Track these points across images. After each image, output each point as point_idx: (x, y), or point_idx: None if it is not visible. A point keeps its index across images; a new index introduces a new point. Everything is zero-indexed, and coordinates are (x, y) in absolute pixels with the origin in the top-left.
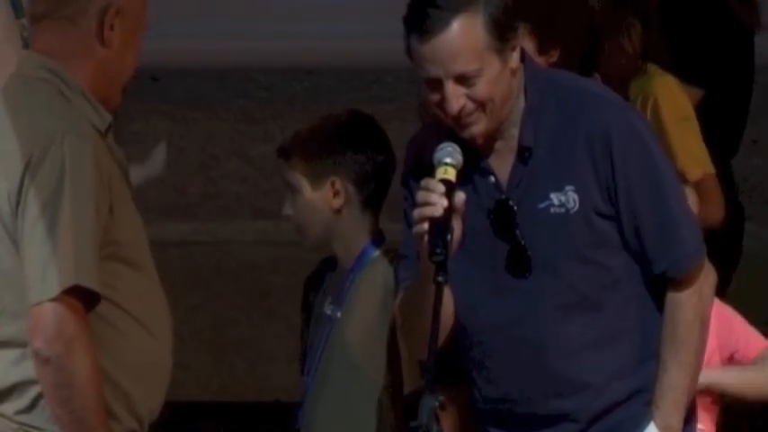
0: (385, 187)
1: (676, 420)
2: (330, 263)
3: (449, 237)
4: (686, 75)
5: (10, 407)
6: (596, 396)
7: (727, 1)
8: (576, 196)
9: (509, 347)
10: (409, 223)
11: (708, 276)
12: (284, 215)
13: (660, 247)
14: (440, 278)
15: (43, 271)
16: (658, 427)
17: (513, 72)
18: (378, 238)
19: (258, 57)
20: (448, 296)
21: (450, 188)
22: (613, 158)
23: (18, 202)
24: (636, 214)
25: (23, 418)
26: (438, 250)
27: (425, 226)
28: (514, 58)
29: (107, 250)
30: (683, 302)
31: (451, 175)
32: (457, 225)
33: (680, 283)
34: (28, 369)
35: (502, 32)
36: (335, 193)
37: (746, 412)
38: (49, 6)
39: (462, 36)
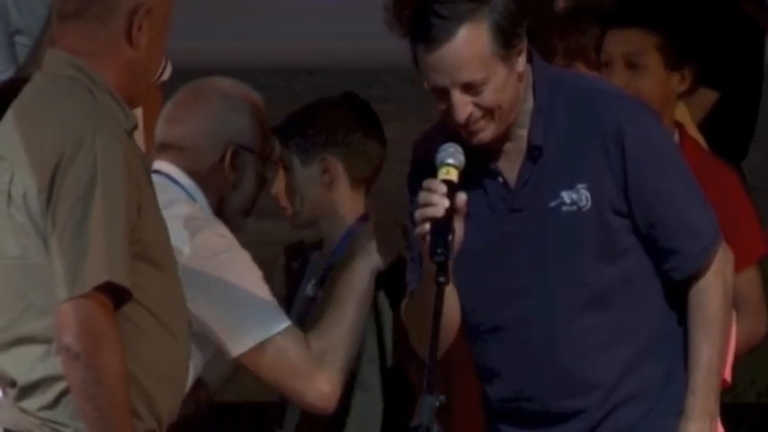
0: (375, 170)
1: (714, 404)
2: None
3: (450, 237)
4: (700, 77)
5: (34, 402)
6: (608, 394)
7: (738, 3)
8: (588, 194)
9: (521, 346)
10: (415, 225)
11: (727, 256)
12: (273, 194)
13: (678, 244)
14: (441, 278)
15: (74, 267)
16: (697, 412)
17: (520, 76)
18: (365, 219)
19: (258, 56)
20: (453, 298)
21: (451, 189)
22: (626, 155)
23: (48, 200)
24: (650, 210)
25: (47, 413)
26: (439, 251)
27: (427, 226)
28: (520, 62)
29: (133, 249)
30: (709, 287)
31: (453, 175)
32: (458, 226)
33: (703, 270)
34: (53, 365)
35: (507, 39)
36: (325, 170)
37: (746, 412)
38: (79, 5)
39: (467, 45)
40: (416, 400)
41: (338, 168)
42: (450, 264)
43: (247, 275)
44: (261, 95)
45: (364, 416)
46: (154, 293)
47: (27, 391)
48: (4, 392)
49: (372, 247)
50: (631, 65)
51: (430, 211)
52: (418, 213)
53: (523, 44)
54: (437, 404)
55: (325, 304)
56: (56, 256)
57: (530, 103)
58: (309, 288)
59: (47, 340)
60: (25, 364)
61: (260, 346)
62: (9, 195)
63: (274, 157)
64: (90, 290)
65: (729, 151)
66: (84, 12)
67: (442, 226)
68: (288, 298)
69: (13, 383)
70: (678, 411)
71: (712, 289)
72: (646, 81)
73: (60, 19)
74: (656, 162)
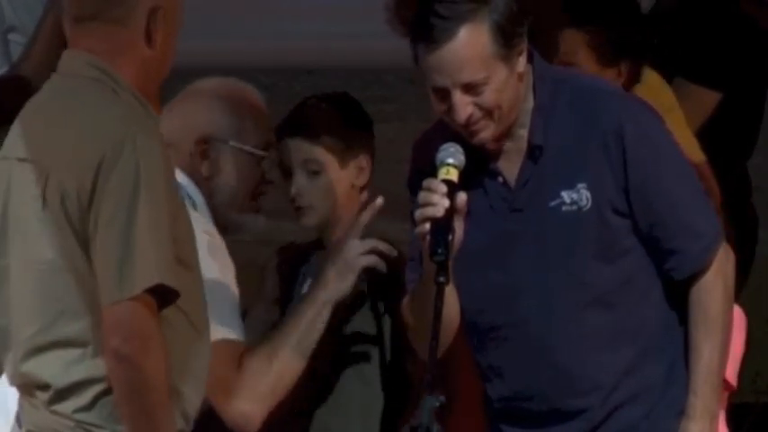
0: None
1: (715, 404)
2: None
3: (450, 237)
4: (702, 77)
5: (69, 405)
6: (609, 394)
7: (740, 3)
8: (588, 194)
9: (521, 345)
10: (415, 224)
11: (728, 255)
12: (294, 194)
13: (678, 244)
14: (441, 278)
15: (121, 270)
16: (698, 412)
17: (521, 76)
18: None
19: (258, 56)
20: (452, 298)
21: (451, 189)
22: (627, 155)
23: (90, 202)
24: (651, 210)
25: (82, 415)
26: (439, 250)
27: (427, 226)
28: (521, 62)
29: None
30: (710, 286)
31: (453, 175)
32: (458, 226)
33: (704, 270)
34: (90, 367)
35: (507, 39)
36: (360, 170)
37: (746, 412)
38: (98, 8)
39: (468, 46)
40: (414, 395)
41: (369, 168)
42: (450, 263)
43: (217, 276)
44: (261, 95)
45: (365, 410)
46: (184, 292)
47: (62, 393)
48: (33, 396)
49: (329, 276)
50: (568, 65)
51: (430, 211)
52: (418, 213)
53: (524, 44)
54: (437, 404)
55: (276, 326)
56: (101, 258)
57: (530, 103)
58: (306, 288)
59: (83, 343)
60: (60, 367)
61: None
62: (44, 199)
63: (277, 156)
64: (139, 292)
65: (733, 152)
66: (104, 14)
67: (442, 226)
68: (282, 299)
69: (44, 387)
70: (679, 411)
71: (713, 289)
72: None
73: (76, 22)
74: (657, 162)
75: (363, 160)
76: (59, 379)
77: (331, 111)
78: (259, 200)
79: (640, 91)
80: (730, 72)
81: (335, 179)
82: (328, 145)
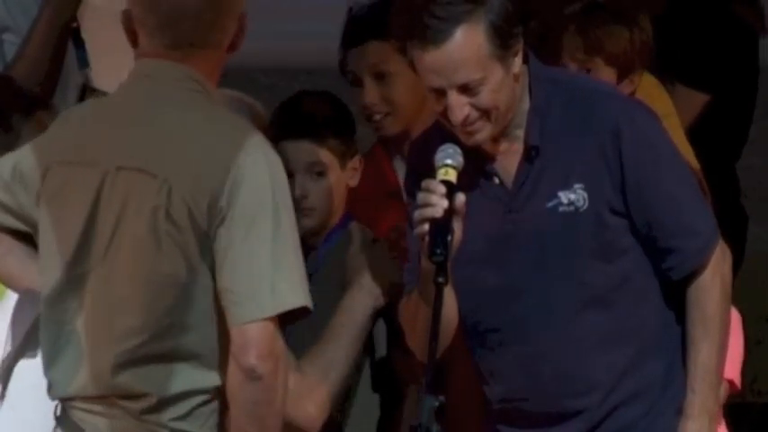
0: None
1: (713, 403)
2: None
3: (449, 238)
4: (692, 78)
5: (165, 415)
6: (608, 393)
7: (731, 5)
8: (585, 194)
9: (520, 346)
10: (413, 225)
11: (725, 254)
12: (298, 196)
13: (675, 243)
14: (440, 279)
15: (260, 288)
16: (697, 411)
17: (516, 77)
18: (348, 217)
19: (258, 57)
20: (451, 299)
21: (450, 189)
22: (623, 155)
23: (224, 215)
24: (648, 210)
25: (178, 424)
26: (438, 251)
27: (426, 227)
28: (517, 63)
29: None
30: (707, 285)
31: (452, 176)
32: (457, 226)
33: (701, 269)
34: (194, 381)
35: (504, 40)
36: (354, 171)
37: (746, 412)
38: (196, 36)
39: (464, 46)
40: (406, 392)
41: (360, 171)
42: (449, 264)
43: None
44: (261, 95)
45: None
46: None
47: (161, 404)
48: (115, 406)
49: (376, 286)
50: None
51: (429, 212)
52: (417, 214)
53: (520, 45)
54: (437, 404)
55: (324, 331)
56: (236, 274)
57: (526, 104)
58: None
59: (189, 356)
60: (163, 378)
61: None
62: (167, 213)
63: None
64: (282, 311)
65: (723, 153)
66: (203, 40)
67: (441, 226)
68: None
69: (137, 397)
70: (678, 410)
71: (711, 288)
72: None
73: (169, 48)
74: (654, 161)
75: (357, 161)
76: (161, 390)
77: (331, 112)
78: None
79: (639, 95)
80: (719, 74)
81: (337, 181)
82: (332, 147)
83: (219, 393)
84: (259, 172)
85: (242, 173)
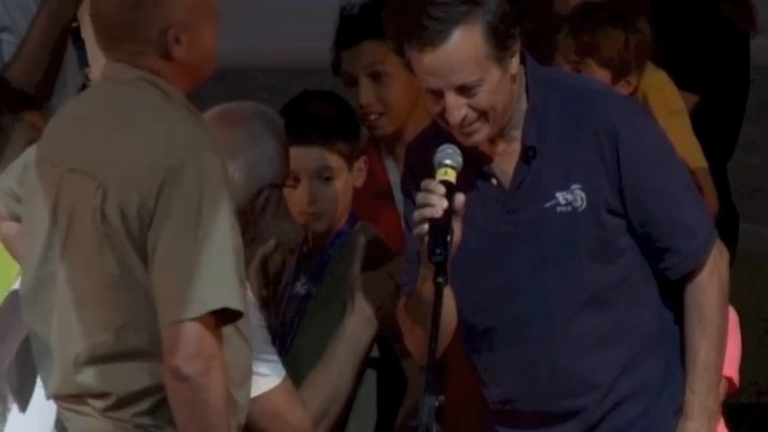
0: None
1: (712, 402)
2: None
3: (449, 238)
4: (681, 79)
5: (128, 411)
6: (606, 393)
7: (721, 4)
8: (583, 194)
9: (518, 346)
10: (411, 227)
11: (722, 254)
12: (308, 202)
13: (673, 243)
14: (440, 279)
15: (185, 289)
16: (696, 410)
17: (514, 78)
18: (353, 219)
19: (258, 57)
20: (450, 299)
21: (450, 189)
22: (620, 155)
23: (152, 220)
24: (645, 210)
25: (141, 419)
26: (438, 251)
27: (425, 227)
28: (514, 63)
29: None
30: (705, 285)
31: (451, 176)
32: (457, 226)
33: (699, 268)
34: (153, 377)
35: (501, 41)
36: (359, 172)
37: (746, 412)
38: (111, 43)
39: (462, 48)
40: (410, 391)
41: (365, 171)
42: (448, 265)
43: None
44: (260, 96)
45: (360, 408)
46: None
47: (123, 401)
48: (84, 404)
49: (372, 312)
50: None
51: (428, 212)
52: (417, 214)
53: (517, 45)
54: (436, 404)
55: (326, 360)
56: (162, 275)
57: (523, 105)
58: (300, 287)
59: (147, 354)
60: (124, 377)
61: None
62: (103, 215)
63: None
64: (204, 313)
65: (713, 154)
66: (119, 47)
67: (440, 227)
68: (272, 298)
69: (101, 395)
70: (677, 410)
71: (708, 287)
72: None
73: (104, 50)
74: (650, 161)
75: (362, 161)
76: (122, 388)
77: (338, 115)
78: None
79: (651, 90)
80: (709, 75)
81: (345, 183)
82: (341, 150)
83: None
84: (188, 175)
85: (171, 175)
